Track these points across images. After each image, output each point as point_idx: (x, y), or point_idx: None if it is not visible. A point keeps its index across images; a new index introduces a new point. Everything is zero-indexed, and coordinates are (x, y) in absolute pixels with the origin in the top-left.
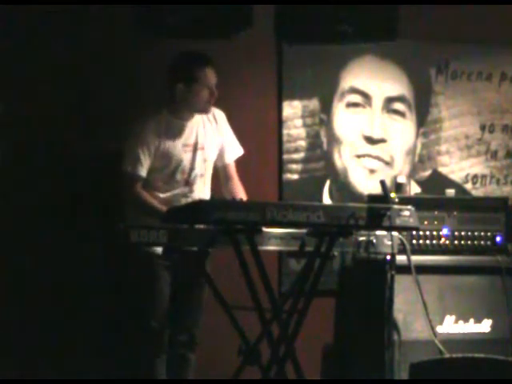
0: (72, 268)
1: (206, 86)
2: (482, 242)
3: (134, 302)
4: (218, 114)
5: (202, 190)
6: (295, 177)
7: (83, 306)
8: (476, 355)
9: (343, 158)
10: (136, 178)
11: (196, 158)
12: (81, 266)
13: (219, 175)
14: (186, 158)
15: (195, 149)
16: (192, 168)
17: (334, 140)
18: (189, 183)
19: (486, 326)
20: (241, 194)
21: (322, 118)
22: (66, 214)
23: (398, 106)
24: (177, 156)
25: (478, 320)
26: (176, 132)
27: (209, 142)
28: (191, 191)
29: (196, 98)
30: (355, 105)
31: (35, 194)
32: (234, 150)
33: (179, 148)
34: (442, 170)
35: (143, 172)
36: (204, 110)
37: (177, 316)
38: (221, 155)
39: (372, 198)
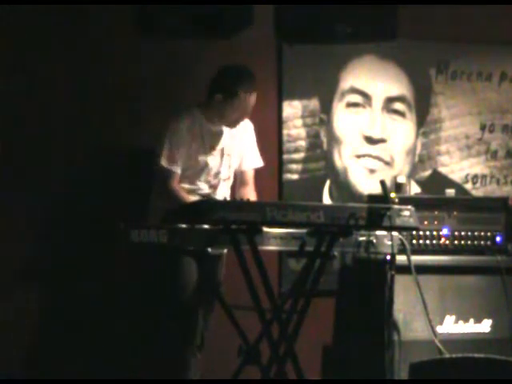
0: (95, 266)
1: (242, 107)
2: (482, 242)
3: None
4: (246, 123)
5: (225, 194)
6: (295, 177)
7: (109, 305)
8: (476, 355)
9: (343, 158)
10: (172, 173)
11: (223, 163)
12: (104, 265)
13: (236, 180)
14: (213, 161)
15: (222, 154)
16: (218, 172)
17: (333, 140)
18: (212, 185)
19: (486, 326)
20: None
21: (322, 117)
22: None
23: (398, 106)
24: (204, 158)
25: (478, 320)
26: (206, 136)
27: (233, 149)
28: (214, 193)
29: (229, 113)
30: (355, 105)
31: (68, 189)
32: (252, 159)
33: (207, 151)
34: (442, 170)
35: (178, 169)
36: (231, 126)
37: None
38: (240, 162)
39: (372, 198)
